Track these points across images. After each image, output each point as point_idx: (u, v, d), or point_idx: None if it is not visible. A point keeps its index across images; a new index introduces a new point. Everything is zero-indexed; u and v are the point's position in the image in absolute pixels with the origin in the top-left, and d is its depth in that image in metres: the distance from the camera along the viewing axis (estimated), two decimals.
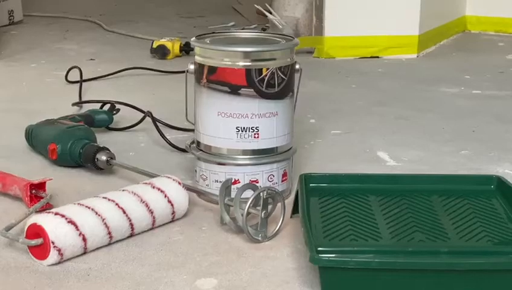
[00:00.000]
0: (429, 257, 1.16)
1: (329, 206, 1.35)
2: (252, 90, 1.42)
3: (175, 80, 2.45)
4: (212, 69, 1.43)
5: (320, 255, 1.13)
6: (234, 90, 1.42)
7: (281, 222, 1.36)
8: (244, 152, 1.45)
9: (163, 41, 2.75)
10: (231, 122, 1.43)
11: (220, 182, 1.44)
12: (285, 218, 1.37)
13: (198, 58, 1.46)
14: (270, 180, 1.47)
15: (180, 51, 2.75)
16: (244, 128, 1.43)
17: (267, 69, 1.41)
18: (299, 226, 1.30)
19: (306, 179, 1.41)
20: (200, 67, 1.45)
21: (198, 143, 1.51)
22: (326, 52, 2.83)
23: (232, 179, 1.40)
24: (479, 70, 2.59)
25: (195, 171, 1.52)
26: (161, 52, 2.72)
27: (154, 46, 2.74)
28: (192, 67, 1.47)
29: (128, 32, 3.18)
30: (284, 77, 1.44)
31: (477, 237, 1.24)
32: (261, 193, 1.32)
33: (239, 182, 1.45)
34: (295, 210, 1.39)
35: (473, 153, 1.80)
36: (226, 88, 1.42)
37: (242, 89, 1.41)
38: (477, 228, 1.27)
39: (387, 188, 1.41)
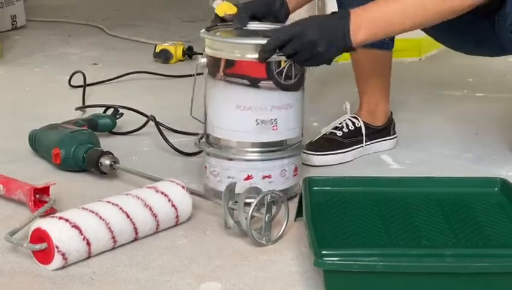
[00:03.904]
0: (433, 260, 1.15)
1: (333, 210, 1.35)
2: (272, 82, 1.42)
3: (178, 84, 2.45)
4: (230, 62, 1.42)
5: (324, 258, 1.13)
6: (254, 83, 1.42)
7: (284, 226, 1.35)
8: (263, 145, 1.45)
9: (165, 45, 2.75)
10: (250, 114, 1.43)
11: (233, 178, 1.44)
12: (289, 221, 1.36)
13: (212, 52, 1.45)
14: (283, 175, 1.48)
15: (183, 55, 2.76)
16: (263, 120, 1.43)
17: (285, 61, 1.42)
18: (303, 229, 1.30)
19: (310, 182, 1.41)
20: (215, 60, 1.44)
21: (208, 138, 1.50)
22: None
23: (235, 182, 1.40)
24: (482, 73, 2.59)
25: (205, 168, 1.52)
26: (164, 57, 2.73)
27: (157, 50, 2.75)
28: (203, 60, 1.46)
29: (131, 36, 3.18)
30: (299, 69, 1.45)
31: (482, 240, 1.24)
32: (265, 197, 1.32)
33: (252, 178, 1.45)
34: (299, 213, 1.38)
35: (476, 155, 1.79)
36: (245, 81, 1.42)
37: (262, 81, 1.42)
38: (482, 230, 1.27)
39: (391, 191, 1.41)
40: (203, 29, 1.48)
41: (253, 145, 1.46)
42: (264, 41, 1.38)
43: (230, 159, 1.46)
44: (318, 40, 1.36)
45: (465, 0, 1.41)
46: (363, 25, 1.39)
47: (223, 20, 1.54)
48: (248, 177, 1.45)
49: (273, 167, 1.47)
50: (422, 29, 1.75)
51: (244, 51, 1.41)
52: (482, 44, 1.66)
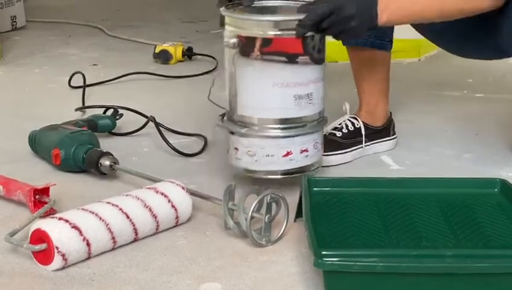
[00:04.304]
0: (434, 260, 1.15)
1: (333, 210, 1.35)
2: (308, 57, 1.44)
3: (178, 85, 2.45)
4: (267, 41, 1.42)
5: (324, 259, 1.13)
6: (291, 60, 1.43)
7: (284, 226, 1.35)
8: (301, 119, 1.47)
9: (165, 46, 2.75)
10: (289, 91, 1.44)
11: (272, 155, 1.46)
12: (289, 222, 1.36)
13: (244, 32, 1.43)
14: (316, 147, 1.51)
15: (183, 55, 2.75)
16: (301, 95, 1.45)
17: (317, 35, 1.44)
18: (302, 230, 1.30)
19: (310, 183, 1.41)
20: (248, 40, 1.43)
21: (233, 119, 1.49)
22: (329, 56, 2.82)
23: (234, 184, 1.39)
24: (481, 74, 2.58)
25: (236, 149, 1.50)
26: (164, 57, 2.72)
27: (157, 51, 2.74)
28: (233, 41, 1.44)
29: (131, 37, 3.18)
30: (324, 43, 1.47)
31: (482, 240, 1.24)
32: (265, 197, 1.32)
33: (292, 154, 1.47)
34: (299, 214, 1.38)
35: (476, 156, 1.79)
36: (283, 58, 1.43)
37: (299, 57, 1.44)
38: (482, 231, 1.27)
39: (391, 192, 1.41)
40: (226, 10, 1.47)
41: (292, 120, 1.47)
42: (301, 16, 1.40)
43: (269, 137, 1.47)
44: (355, 14, 1.40)
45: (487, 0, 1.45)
46: (389, 5, 1.43)
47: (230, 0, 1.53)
48: (288, 154, 1.47)
49: (308, 140, 1.49)
50: (420, 33, 1.76)
51: (284, 27, 1.41)
52: (481, 47, 1.66)
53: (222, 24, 1.50)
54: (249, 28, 1.43)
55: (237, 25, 1.45)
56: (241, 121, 1.49)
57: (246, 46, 1.43)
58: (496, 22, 1.55)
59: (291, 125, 1.47)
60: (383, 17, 1.43)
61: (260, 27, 1.42)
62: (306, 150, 1.49)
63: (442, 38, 1.75)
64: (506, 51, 1.60)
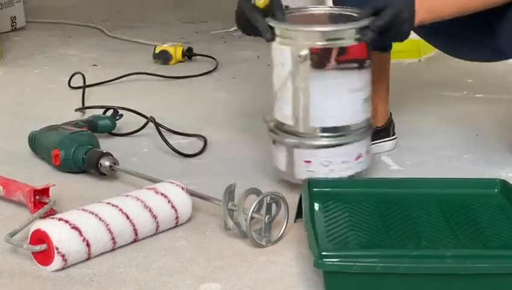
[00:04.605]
0: (434, 261, 1.15)
1: (333, 211, 1.35)
2: (369, 60, 1.48)
3: (177, 85, 2.45)
4: (343, 50, 1.44)
5: (324, 259, 1.13)
6: (361, 65, 1.46)
7: (284, 227, 1.35)
8: (367, 121, 1.51)
9: (165, 46, 2.75)
10: (359, 96, 1.47)
11: (348, 162, 1.48)
12: (289, 222, 1.36)
13: (319, 44, 1.43)
14: (369, 150, 1.55)
15: (183, 56, 2.75)
16: (366, 98, 1.50)
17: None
18: (302, 230, 1.30)
19: (310, 183, 1.41)
20: (324, 51, 1.43)
21: (311, 132, 1.48)
22: None
23: (235, 183, 1.40)
24: (481, 74, 2.58)
25: (307, 162, 1.49)
26: (163, 58, 2.72)
27: (157, 51, 2.74)
28: (305, 53, 1.42)
29: (131, 37, 3.18)
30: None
31: (482, 241, 1.24)
32: (265, 198, 1.32)
33: (362, 156, 1.50)
34: (299, 215, 1.38)
35: (476, 156, 1.79)
36: (355, 65, 1.46)
37: (366, 61, 1.47)
38: (482, 232, 1.27)
39: (391, 193, 1.41)
40: (282, 23, 1.45)
41: (361, 123, 1.50)
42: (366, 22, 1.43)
43: (346, 143, 1.48)
44: (408, 19, 1.42)
45: None
46: (422, 6, 1.43)
47: (263, 12, 1.48)
48: (359, 157, 1.49)
49: (367, 142, 1.53)
50: (416, 33, 1.76)
51: (357, 34, 1.43)
52: (477, 48, 1.66)
53: (272, 39, 1.47)
54: (323, 39, 1.43)
55: (308, 37, 1.44)
56: (313, 134, 1.48)
57: (321, 58, 1.43)
58: (494, 24, 1.55)
59: (361, 128, 1.50)
60: (418, 17, 1.44)
61: (338, 36, 1.44)
62: (367, 152, 1.54)
63: (438, 40, 1.75)
64: (504, 53, 1.60)
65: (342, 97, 1.46)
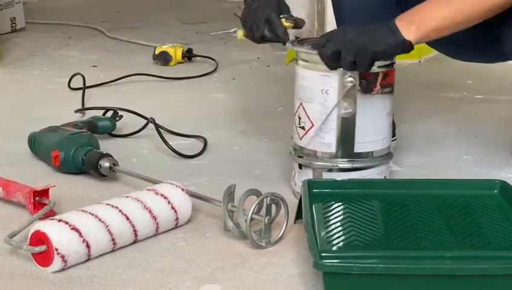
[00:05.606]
0: (433, 262, 1.15)
1: (333, 212, 1.35)
2: (393, 84, 1.50)
3: (177, 86, 2.45)
4: (386, 74, 1.46)
5: (324, 260, 1.13)
6: (393, 89, 1.50)
7: (284, 228, 1.35)
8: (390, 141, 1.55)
9: (165, 47, 2.75)
10: (390, 118, 1.52)
11: None
12: (289, 223, 1.36)
13: (374, 68, 1.41)
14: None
15: (183, 57, 2.75)
16: (394, 121, 1.57)
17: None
18: (302, 231, 1.30)
19: (309, 184, 1.41)
20: (373, 76, 1.44)
21: (354, 157, 1.47)
22: None
23: (234, 184, 1.39)
24: (481, 75, 2.58)
25: None
26: (163, 59, 2.72)
27: (157, 52, 2.74)
28: (351, 80, 1.41)
29: (131, 38, 3.18)
30: None
31: (481, 242, 1.24)
32: (264, 199, 1.32)
33: (386, 176, 1.54)
34: (298, 216, 1.38)
35: (476, 157, 1.79)
36: (390, 88, 1.49)
37: (394, 85, 1.50)
38: (481, 233, 1.27)
39: (391, 193, 1.41)
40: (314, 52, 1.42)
41: (389, 145, 1.54)
42: None
43: (380, 164, 1.51)
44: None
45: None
46: (413, 20, 1.37)
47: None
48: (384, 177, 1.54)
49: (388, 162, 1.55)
50: None
51: (393, 60, 1.48)
52: (480, 52, 1.65)
53: (293, 60, 1.48)
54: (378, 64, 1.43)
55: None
56: (354, 158, 1.47)
57: (369, 83, 1.45)
58: (498, 29, 1.53)
59: (388, 148, 1.53)
60: (411, 32, 1.36)
61: (385, 63, 1.46)
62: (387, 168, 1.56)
63: (440, 44, 1.74)
64: (508, 57, 1.59)
65: (382, 120, 1.49)
